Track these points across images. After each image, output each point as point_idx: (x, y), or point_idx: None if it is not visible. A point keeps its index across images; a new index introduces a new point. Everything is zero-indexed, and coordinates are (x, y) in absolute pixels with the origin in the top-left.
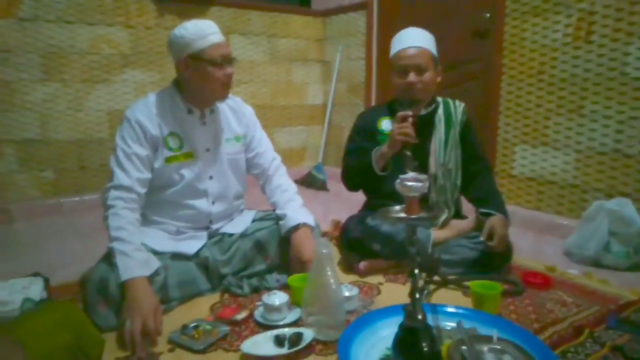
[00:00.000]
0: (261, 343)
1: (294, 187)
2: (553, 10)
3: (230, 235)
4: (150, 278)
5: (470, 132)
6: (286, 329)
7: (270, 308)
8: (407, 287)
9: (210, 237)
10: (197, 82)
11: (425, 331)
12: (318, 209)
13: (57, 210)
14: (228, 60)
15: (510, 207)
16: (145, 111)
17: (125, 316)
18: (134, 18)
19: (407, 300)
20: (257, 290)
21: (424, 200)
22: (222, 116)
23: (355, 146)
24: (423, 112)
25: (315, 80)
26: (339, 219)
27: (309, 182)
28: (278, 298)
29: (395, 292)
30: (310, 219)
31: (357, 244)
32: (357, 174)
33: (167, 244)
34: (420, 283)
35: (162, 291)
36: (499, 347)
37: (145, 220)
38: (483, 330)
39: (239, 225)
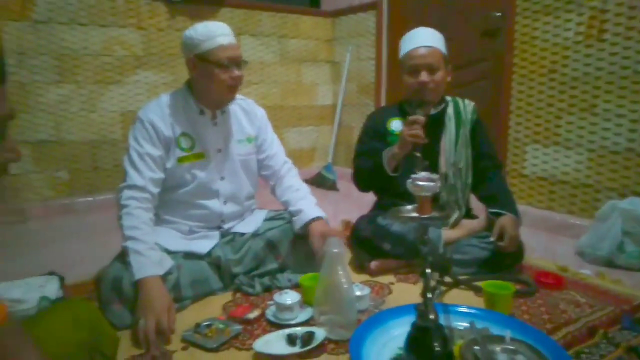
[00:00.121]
0: (273, 342)
1: (306, 187)
2: (564, 8)
3: (242, 234)
4: (164, 277)
5: (480, 131)
6: (298, 328)
7: (282, 307)
8: (418, 287)
9: (222, 236)
10: (204, 83)
11: (437, 331)
12: (328, 209)
13: (71, 210)
14: (236, 62)
15: (521, 207)
16: (158, 112)
17: (139, 314)
18: (146, 20)
19: (418, 299)
20: (268, 290)
21: (434, 199)
22: (234, 117)
23: (365, 147)
24: (433, 111)
25: (325, 80)
26: (349, 218)
27: (319, 182)
28: (290, 297)
29: (406, 292)
30: (325, 216)
31: (367, 244)
32: (368, 174)
33: (180, 244)
34: (432, 283)
35: (175, 290)
36: (512, 347)
37: (158, 220)
38: (495, 331)
39: (250, 224)
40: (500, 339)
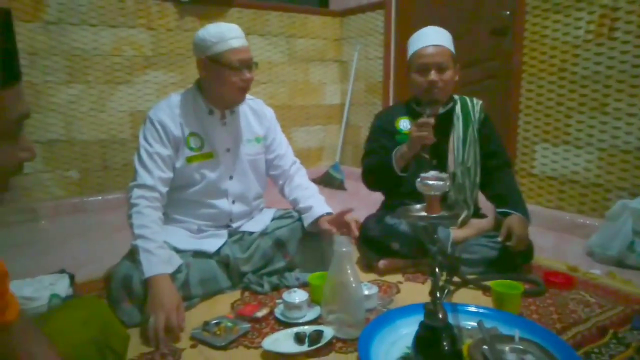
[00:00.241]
0: (282, 340)
1: (314, 186)
2: (575, 6)
3: (251, 233)
4: (173, 275)
5: (488, 130)
6: (306, 327)
7: (290, 306)
8: (426, 286)
9: (230, 235)
10: (214, 85)
11: (446, 330)
12: (336, 208)
13: (81, 209)
14: (247, 65)
15: (531, 207)
16: (168, 111)
17: (149, 313)
18: (156, 20)
19: (426, 299)
20: (277, 288)
21: (443, 199)
22: (243, 117)
23: (374, 146)
24: (441, 110)
25: (332, 80)
26: (357, 218)
27: (327, 182)
28: (298, 296)
29: (414, 291)
30: (334, 213)
31: (376, 243)
32: (377, 173)
33: (189, 242)
34: (441, 282)
35: (184, 288)
36: (520, 347)
37: (167, 219)
38: (504, 330)
39: (259, 223)
40: (509, 339)
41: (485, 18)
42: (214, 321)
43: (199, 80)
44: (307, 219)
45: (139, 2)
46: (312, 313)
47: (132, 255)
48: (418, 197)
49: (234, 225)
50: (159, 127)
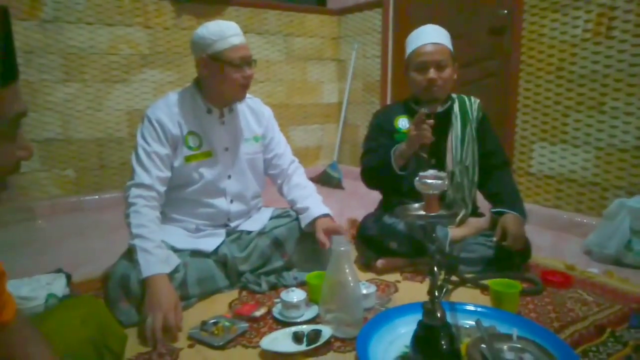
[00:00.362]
0: (280, 340)
1: (312, 186)
2: (572, 5)
3: (249, 232)
4: (170, 275)
5: (486, 128)
6: (304, 326)
7: (288, 305)
8: (424, 285)
9: (228, 234)
10: (215, 83)
11: (444, 329)
12: (334, 207)
13: (78, 208)
14: (247, 62)
15: (528, 206)
16: (166, 110)
17: (146, 312)
18: (153, 19)
19: (424, 298)
20: (274, 288)
21: (441, 198)
22: (241, 116)
23: (373, 144)
24: (439, 109)
25: (330, 78)
26: (355, 217)
27: (324, 181)
28: (296, 295)
29: (412, 290)
30: (331, 214)
31: (374, 242)
32: (376, 172)
33: (187, 242)
34: (439, 281)
35: (182, 288)
36: (518, 345)
37: (165, 218)
38: (502, 329)
39: (256, 222)
40: (507, 338)
41: (483, 17)
42: (212, 321)
43: (197, 79)
44: (304, 220)
45: (135, 1)
46: (310, 312)
47: (130, 254)
48: (416, 196)
49: (232, 224)
50: (157, 126)
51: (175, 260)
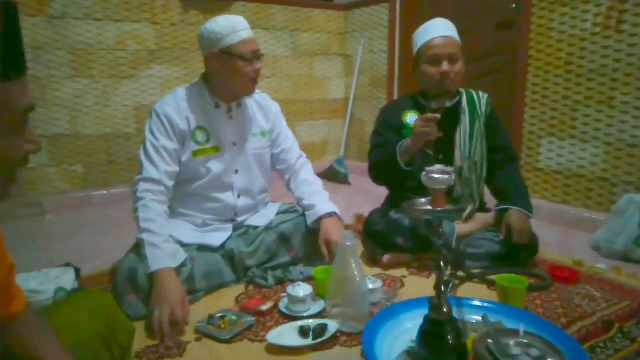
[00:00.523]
0: (286, 334)
1: (320, 182)
2: None
3: (255, 227)
4: (178, 269)
5: (495, 123)
6: (310, 321)
7: (294, 299)
8: (430, 281)
9: (235, 229)
10: (226, 77)
11: (450, 324)
12: (340, 203)
13: (86, 203)
14: (257, 56)
15: (536, 201)
16: (174, 105)
17: (154, 306)
18: (160, 14)
19: (430, 293)
20: (281, 282)
21: (448, 193)
22: (249, 111)
23: (381, 140)
24: (448, 104)
25: (337, 74)
26: (361, 212)
27: (331, 176)
28: (302, 290)
29: (418, 285)
30: (337, 211)
31: (380, 238)
32: (383, 168)
33: (194, 236)
34: (446, 276)
35: (189, 282)
36: (525, 341)
37: (172, 213)
38: (509, 324)
39: (263, 217)
40: (513, 333)
41: (491, 11)
42: (219, 315)
43: (205, 74)
44: (310, 218)
45: None
46: (317, 307)
47: (138, 248)
48: (424, 192)
49: (239, 219)
50: (165, 120)
51: (182, 255)
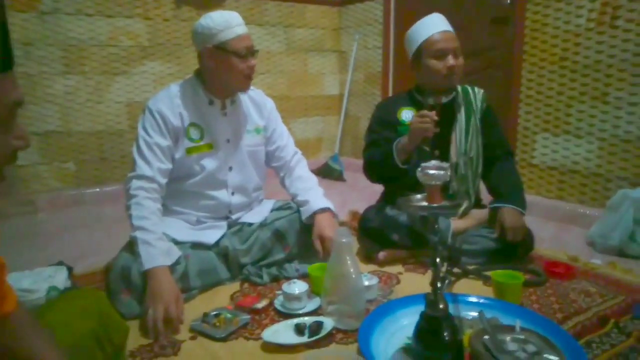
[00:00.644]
0: (282, 331)
1: (315, 178)
2: None
3: (250, 224)
4: (172, 267)
5: (490, 119)
6: (306, 318)
7: (290, 297)
8: (426, 277)
9: (229, 226)
10: (221, 73)
11: (446, 320)
12: (335, 200)
13: (79, 201)
14: (252, 52)
15: (530, 197)
16: (167, 102)
17: (148, 304)
18: (152, 10)
19: (426, 289)
20: (276, 280)
21: (444, 189)
22: (243, 108)
23: (376, 138)
24: (444, 100)
25: (331, 70)
26: (356, 209)
27: (326, 173)
28: (298, 287)
29: (414, 282)
30: (332, 207)
31: (376, 234)
32: (379, 166)
33: (188, 234)
34: (441, 272)
35: (183, 280)
36: (521, 336)
37: (166, 210)
38: (505, 320)
39: (258, 214)
40: (509, 329)
41: (485, 7)
42: (214, 313)
43: (199, 71)
44: (304, 214)
45: None
46: (312, 304)
47: (131, 246)
48: (419, 189)
49: (233, 216)
50: (158, 117)
51: (176, 253)
